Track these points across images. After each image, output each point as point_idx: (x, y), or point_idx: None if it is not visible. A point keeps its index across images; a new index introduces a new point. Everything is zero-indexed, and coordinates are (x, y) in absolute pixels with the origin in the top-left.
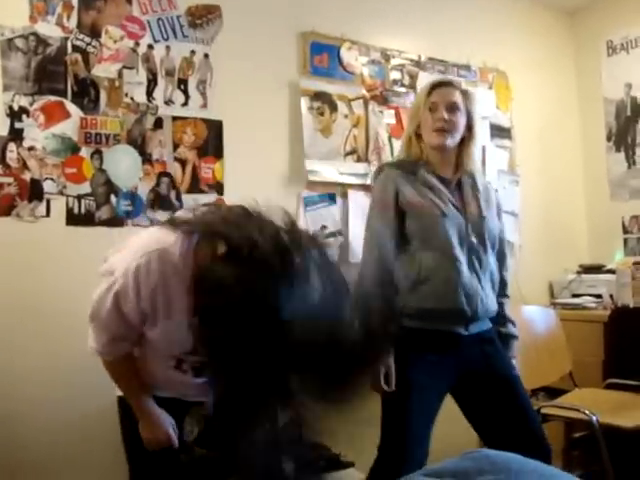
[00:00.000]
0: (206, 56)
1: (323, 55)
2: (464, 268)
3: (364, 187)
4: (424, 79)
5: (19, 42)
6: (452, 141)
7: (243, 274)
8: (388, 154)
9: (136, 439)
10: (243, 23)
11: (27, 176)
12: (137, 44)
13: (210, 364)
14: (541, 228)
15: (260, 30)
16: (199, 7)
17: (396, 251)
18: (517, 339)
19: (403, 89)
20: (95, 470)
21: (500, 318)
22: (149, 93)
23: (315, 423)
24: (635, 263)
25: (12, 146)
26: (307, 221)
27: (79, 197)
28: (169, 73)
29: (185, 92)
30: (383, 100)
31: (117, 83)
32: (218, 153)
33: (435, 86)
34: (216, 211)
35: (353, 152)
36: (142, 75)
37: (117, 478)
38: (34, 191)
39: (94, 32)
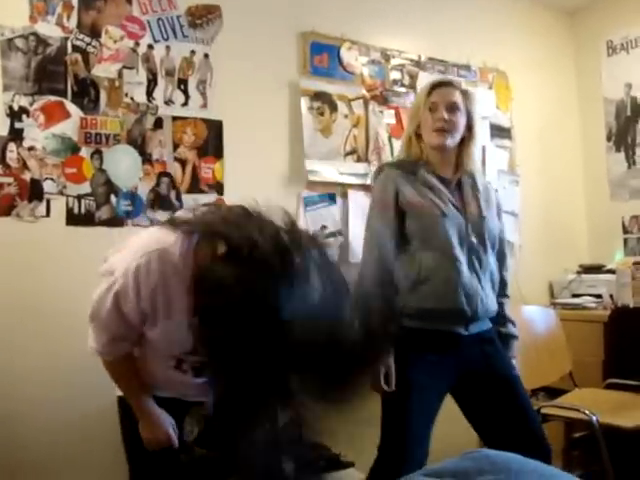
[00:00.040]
0: (206, 56)
1: (323, 55)
2: (464, 268)
3: (364, 187)
4: (424, 79)
5: (19, 42)
6: (452, 141)
7: (243, 274)
8: (388, 154)
9: (136, 439)
10: (243, 23)
11: (27, 176)
12: (137, 44)
13: (210, 364)
14: (541, 228)
15: (260, 30)
16: (199, 7)
17: (396, 251)
18: (517, 339)
19: (403, 89)
20: (95, 470)
21: (500, 318)
22: (149, 93)
23: (315, 423)
24: (635, 263)
25: (12, 146)
26: (307, 221)
27: (79, 197)
28: (169, 73)
29: (185, 92)
30: (383, 100)
31: (117, 83)
32: (218, 153)
33: (435, 86)
34: (216, 211)
35: (353, 152)
36: (142, 75)
37: (117, 478)
38: (34, 191)
39: (94, 32)
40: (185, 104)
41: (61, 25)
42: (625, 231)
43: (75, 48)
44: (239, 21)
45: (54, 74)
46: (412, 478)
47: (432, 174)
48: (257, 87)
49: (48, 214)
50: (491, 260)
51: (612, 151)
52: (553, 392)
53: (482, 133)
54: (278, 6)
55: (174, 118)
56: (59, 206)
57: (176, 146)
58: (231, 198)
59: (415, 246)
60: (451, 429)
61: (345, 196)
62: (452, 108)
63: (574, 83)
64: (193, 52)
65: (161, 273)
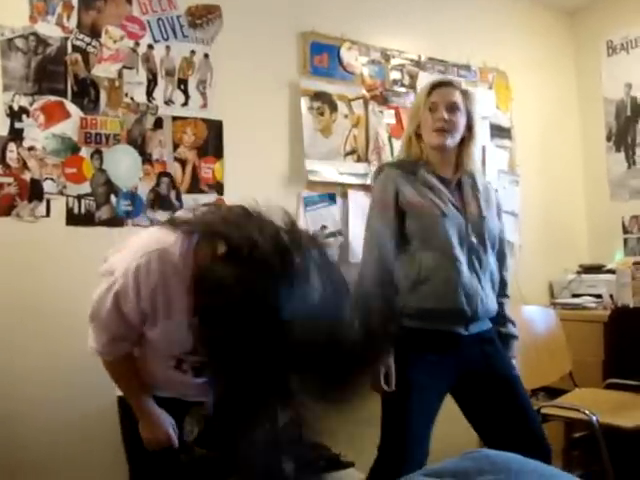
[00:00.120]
0: (206, 56)
1: (323, 55)
2: (464, 268)
3: (364, 187)
4: (424, 79)
5: (19, 42)
6: (452, 141)
7: (243, 274)
8: (388, 154)
9: (136, 439)
10: (243, 23)
11: (27, 176)
12: (137, 44)
13: (210, 364)
14: (541, 228)
15: (260, 30)
16: (199, 7)
17: (396, 251)
18: (517, 339)
19: (403, 89)
20: (95, 470)
21: (500, 318)
22: (149, 93)
23: (315, 423)
24: (635, 263)
25: (12, 146)
26: (307, 221)
27: (79, 197)
28: (169, 73)
29: (185, 92)
30: (383, 100)
31: (117, 83)
32: (218, 153)
33: (435, 86)
34: (216, 211)
35: (353, 152)
36: (142, 75)
37: (117, 478)
38: (34, 191)
39: (94, 32)
40: (185, 104)
41: (61, 25)
42: (625, 231)
43: (75, 48)
44: (239, 21)
45: (54, 74)
46: (412, 478)
47: (432, 174)
48: (257, 87)
49: (48, 214)
50: (491, 260)
51: (612, 151)
52: (553, 392)
53: (482, 133)
54: (278, 6)
55: (174, 118)
56: (59, 206)
57: (176, 146)
58: (231, 198)
59: (415, 246)
60: (451, 429)
61: (345, 196)
62: (452, 108)
63: (574, 83)
64: (193, 52)
65: (161, 273)
